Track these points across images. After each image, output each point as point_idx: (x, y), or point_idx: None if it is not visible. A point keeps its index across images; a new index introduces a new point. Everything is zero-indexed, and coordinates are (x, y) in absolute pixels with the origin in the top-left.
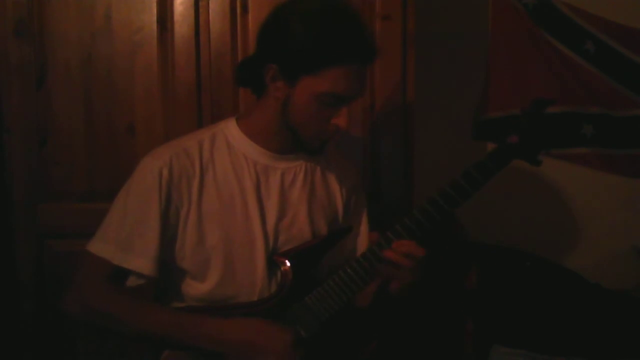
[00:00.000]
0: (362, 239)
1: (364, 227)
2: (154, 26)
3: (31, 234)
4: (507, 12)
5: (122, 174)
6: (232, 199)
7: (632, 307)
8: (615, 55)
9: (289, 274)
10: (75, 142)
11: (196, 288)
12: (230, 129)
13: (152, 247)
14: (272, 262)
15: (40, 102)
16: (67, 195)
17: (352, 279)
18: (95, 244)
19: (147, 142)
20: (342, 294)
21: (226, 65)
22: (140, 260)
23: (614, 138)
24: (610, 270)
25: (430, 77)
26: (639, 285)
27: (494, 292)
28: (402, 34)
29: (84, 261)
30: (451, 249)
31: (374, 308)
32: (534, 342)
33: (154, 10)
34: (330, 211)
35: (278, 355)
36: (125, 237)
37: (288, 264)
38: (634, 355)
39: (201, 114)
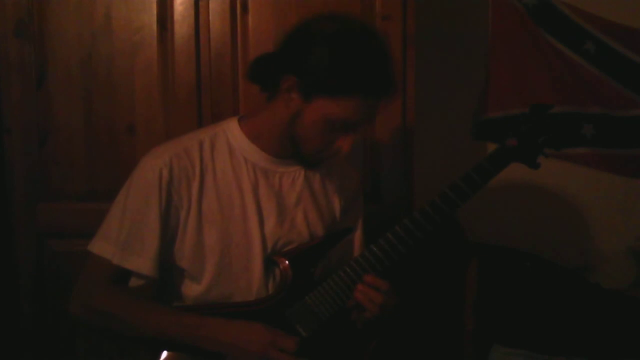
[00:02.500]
0: (357, 244)
1: (359, 233)
2: (154, 26)
3: (31, 234)
4: (507, 12)
5: (122, 174)
6: (231, 201)
7: (631, 307)
8: (615, 55)
9: (288, 274)
10: (75, 142)
11: (193, 288)
12: (231, 130)
13: (152, 247)
14: (270, 263)
15: (40, 102)
16: (67, 195)
17: (352, 280)
18: (96, 244)
19: (147, 142)
20: (342, 294)
21: (226, 65)
22: (140, 260)
23: (614, 138)
24: (610, 270)
25: (430, 77)
26: (638, 284)
27: (494, 292)
28: (402, 34)
29: (86, 262)
30: (451, 249)
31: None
32: (534, 342)
33: (154, 10)
34: (328, 216)
35: (283, 356)
36: (125, 237)
37: (288, 264)
38: (634, 355)
39: (201, 114)
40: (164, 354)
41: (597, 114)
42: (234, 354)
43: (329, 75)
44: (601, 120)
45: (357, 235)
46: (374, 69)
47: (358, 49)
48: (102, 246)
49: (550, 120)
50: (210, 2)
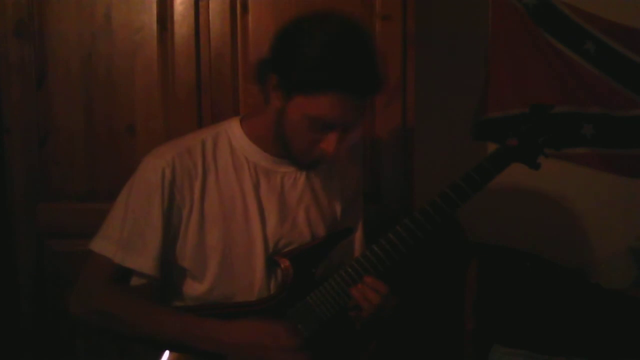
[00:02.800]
0: (358, 244)
1: (359, 233)
2: (154, 26)
3: (31, 234)
4: (507, 12)
5: (122, 174)
6: (233, 200)
7: (631, 306)
8: (615, 55)
9: (289, 274)
10: (75, 142)
11: (195, 288)
12: (233, 130)
13: (154, 246)
14: (272, 262)
15: (40, 102)
16: (67, 195)
17: (354, 280)
18: (97, 242)
19: (147, 142)
20: (343, 294)
21: (226, 65)
22: (142, 260)
23: (614, 138)
24: (610, 270)
25: (430, 77)
26: (638, 284)
27: (494, 292)
28: (402, 34)
29: (87, 260)
30: (451, 249)
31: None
32: (534, 342)
33: (154, 10)
34: (329, 215)
35: (286, 354)
36: (127, 236)
37: (289, 264)
38: (633, 355)
39: (201, 114)
40: (166, 354)
41: (597, 114)
42: (237, 354)
43: (302, 72)
44: (601, 120)
45: (358, 236)
46: (348, 65)
47: (331, 45)
48: (103, 245)
49: (550, 120)
50: (210, 2)
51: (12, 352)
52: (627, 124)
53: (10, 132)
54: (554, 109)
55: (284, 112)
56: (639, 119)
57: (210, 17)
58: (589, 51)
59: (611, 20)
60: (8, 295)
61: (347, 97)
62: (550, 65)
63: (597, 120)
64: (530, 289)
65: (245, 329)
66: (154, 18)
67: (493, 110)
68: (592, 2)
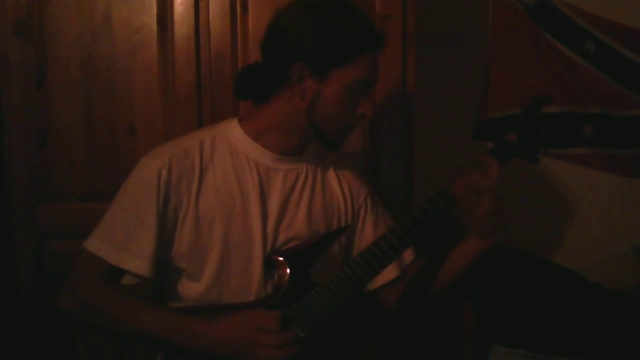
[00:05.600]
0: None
1: (382, 220)
2: (154, 26)
3: (31, 234)
4: (507, 12)
5: (122, 174)
6: (232, 200)
7: (632, 307)
8: (615, 55)
9: (285, 274)
10: (75, 142)
11: (192, 288)
12: (232, 129)
13: (149, 248)
14: (269, 262)
15: (40, 102)
16: (67, 195)
17: (351, 280)
18: (92, 242)
19: (147, 142)
20: (340, 294)
21: (226, 65)
22: (137, 261)
23: (614, 138)
24: (610, 270)
25: (430, 77)
26: (639, 284)
27: (494, 292)
28: (402, 34)
29: (80, 258)
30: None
31: (474, 270)
32: (534, 342)
33: (154, 10)
34: (330, 213)
35: (272, 349)
36: (122, 237)
37: (285, 263)
38: (634, 355)
39: (201, 114)
40: (161, 354)
41: (597, 114)
42: (223, 349)
43: (335, 45)
44: (601, 120)
45: (381, 224)
46: (366, 24)
47: (341, 11)
48: (98, 245)
49: (550, 118)
50: (210, 2)
51: (12, 352)
52: (627, 124)
53: (10, 132)
54: (554, 109)
55: (319, 96)
56: (639, 119)
57: (210, 17)
58: (589, 51)
59: (611, 20)
60: (8, 295)
61: (373, 51)
62: (550, 65)
63: (597, 120)
64: (530, 289)
65: (231, 324)
66: (154, 18)
67: (493, 110)
68: (592, 2)
